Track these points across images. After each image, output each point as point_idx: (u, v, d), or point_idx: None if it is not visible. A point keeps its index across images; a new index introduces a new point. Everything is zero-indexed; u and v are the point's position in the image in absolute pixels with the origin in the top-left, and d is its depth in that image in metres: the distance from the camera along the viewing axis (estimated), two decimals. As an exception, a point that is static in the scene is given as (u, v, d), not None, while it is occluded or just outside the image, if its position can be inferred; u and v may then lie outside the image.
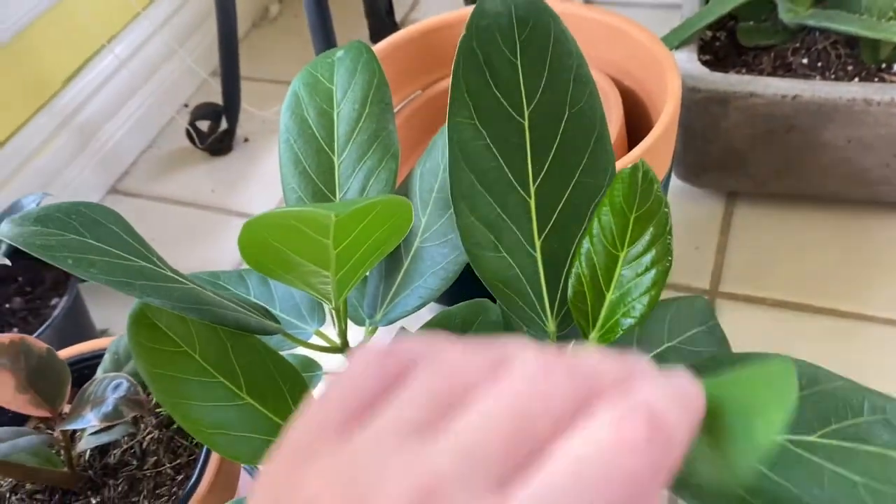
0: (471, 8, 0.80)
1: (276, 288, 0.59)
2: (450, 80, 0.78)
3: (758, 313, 0.84)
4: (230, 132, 1.15)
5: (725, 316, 0.84)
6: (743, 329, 0.83)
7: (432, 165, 0.55)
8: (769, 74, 0.88)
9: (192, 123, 1.13)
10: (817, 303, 0.83)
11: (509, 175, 0.47)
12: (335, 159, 0.56)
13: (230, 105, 1.13)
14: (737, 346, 0.80)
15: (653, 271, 0.45)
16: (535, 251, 0.47)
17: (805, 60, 0.89)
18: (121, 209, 1.09)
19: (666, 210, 0.45)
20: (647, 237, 0.45)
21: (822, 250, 0.87)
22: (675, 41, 0.86)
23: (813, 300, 0.83)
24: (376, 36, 1.28)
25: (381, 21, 1.26)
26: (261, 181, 1.12)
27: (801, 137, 0.83)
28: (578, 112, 0.47)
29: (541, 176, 0.47)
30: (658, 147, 0.60)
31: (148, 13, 1.17)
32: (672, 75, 0.64)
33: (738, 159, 0.88)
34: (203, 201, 1.10)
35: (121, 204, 1.12)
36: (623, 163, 0.59)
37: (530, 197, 0.47)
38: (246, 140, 1.18)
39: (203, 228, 1.07)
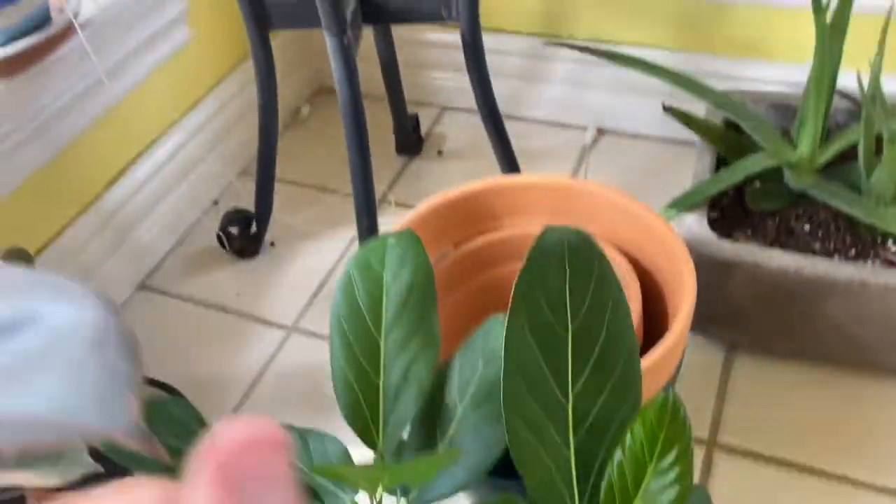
0: (499, 178, 0.86)
1: (317, 449, 0.64)
2: (480, 238, 0.85)
3: (753, 467, 0.89)
4: (259, 237, 1.20)
5: (721, 467, 0.89)
6: (737, 483, 0.88)
7: (472, 359, 0.60)
8: (773, 239, 0.95)
9: (223, 229, 1.18)
10: (810, 462, 0.88)
11: (552, 381, 0.53)
12: (381, 342, 0.62)
13: (262, 212, 1.18)
14: (730, 500, 0.86)
15: (677, 486, 0.50)
16: (568, 450, 0.53)
17: (807, 227, 0.96)
18: (148, 306, 1.16)
19: (690, 436, 0.51)
20: (673, 454, 0.51)
21: (818, 410, 0.93)
22: (685, 205, 0.93)
23: (807, 459, 0.89)
24: (402, 149, 1.34)
25: (407, 135, 1.33)
26: (285, 287, 1.17)
27: (802, 306, 0.89)
28: (614, 334, 0.54)
29: (579, 384, 0.53)
30: (673, 348, 0.66)
31: (188, 119, 1.23)
32: (688, 275, 0.70)
33: (741, 317, 0.94)
34: (228, 304, 1.15)
35: (148, 301, 1.17)
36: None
37: (568, 402, 0.53)
38: (272, 244, 1.23)
39: (226, 333, 1.12)
